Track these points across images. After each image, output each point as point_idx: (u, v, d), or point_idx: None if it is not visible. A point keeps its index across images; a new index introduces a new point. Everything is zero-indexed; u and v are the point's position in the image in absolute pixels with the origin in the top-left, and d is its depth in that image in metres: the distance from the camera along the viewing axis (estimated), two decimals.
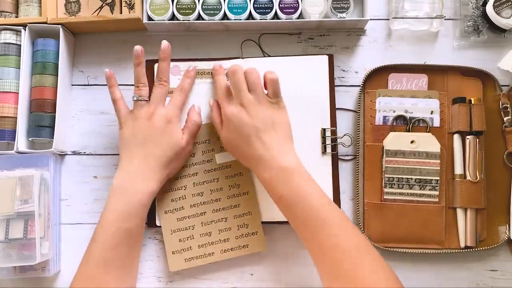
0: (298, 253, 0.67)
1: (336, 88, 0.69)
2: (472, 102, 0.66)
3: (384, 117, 0.67)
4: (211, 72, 0.67)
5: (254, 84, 0.60)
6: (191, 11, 0.67)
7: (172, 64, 0.68)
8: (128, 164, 0.61)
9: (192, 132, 0.64)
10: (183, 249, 0.65)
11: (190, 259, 0.65)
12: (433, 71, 0.68)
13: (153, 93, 0.63)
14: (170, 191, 0.66)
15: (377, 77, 0.69)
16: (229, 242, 0.65)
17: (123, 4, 0.68)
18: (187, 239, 0.65)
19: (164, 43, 0.64)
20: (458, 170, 0.66)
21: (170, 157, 0.61)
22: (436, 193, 0.66)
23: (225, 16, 0.69)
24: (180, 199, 0.66)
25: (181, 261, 0.65)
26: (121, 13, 0.68)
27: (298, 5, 0.67)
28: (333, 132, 0.67)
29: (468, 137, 0.66)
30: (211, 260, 0.65)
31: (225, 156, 0.66)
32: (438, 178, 0.65)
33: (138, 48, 0.62)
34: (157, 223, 0.66)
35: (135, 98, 0.63)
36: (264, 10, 0.67)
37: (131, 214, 0.58)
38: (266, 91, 0.61)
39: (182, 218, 0.66)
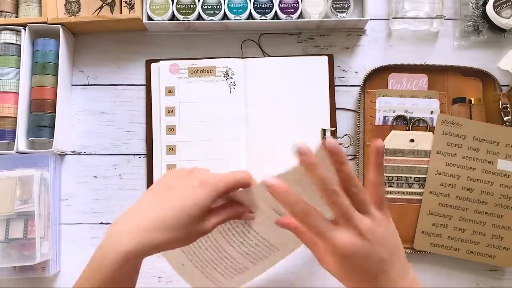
0: (298, 253, 0.67)
1: (336, 88, 0.69)
2: (472, 102, 0.66)
3: (384, 117, 0.67)
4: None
5: (364, 203, 0.43)
6: (191, 11, 0.67)
7: (171, 62, 0.69)
8: (132, 209, 0.46)
9: (220, 219, 0.47)
10: (432, 233, 0.65)
11: (435, 245, 0.65)
12: (433, 71, 0.68)
13: None
14: (444, 175, 0.65)
15: (377, 77, 0.69)
16: (478, 246, 0.64)
17: (123, 4, 0.68)
18: (441, 226, 0.65)
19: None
20: None
21: (178, 224, 0.44)
22: None
23: (225, 16, 0.69)
24: (449, 186, 0.65)
25: (427, 243, 0.65)
26: (121, 13, 0.68)
27: (298, 5, 0.67)
28: (333, 133, 0.67)
29: None
30: (455, 255, 0.65)
31: (508, 165, 0.65)
32: None
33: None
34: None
35: None
36: (264, 10, 0.67)
37: (101, 271, 0.43)
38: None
39: (444, 205, 0.65)
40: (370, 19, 0.68)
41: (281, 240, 0.55)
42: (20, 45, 0.67)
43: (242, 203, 0.49)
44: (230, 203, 0.48)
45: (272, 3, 0.67)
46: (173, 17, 0.69)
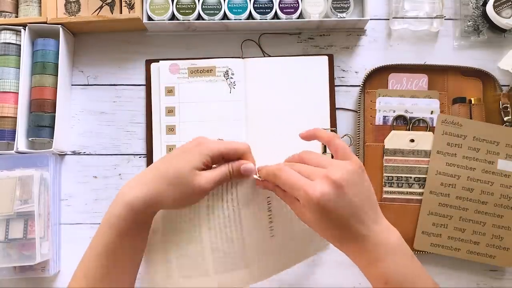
0: None
1: (336, 88, 0.69)
2: (472, 102, 0.66)
3: (384, 117, 0.67)
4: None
5: (327, 157, 0.50)
6: (191, 11, 0.67)
7: (171, 62, 0.69)
8: (140, 172, 0.50)
9: (218, 178, 0.49)
10: (432, 233, 0.65)
11: (436, 245, 0.65)
12: (433, 71, 0.68)
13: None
14: (444, 175, 0.65)
15: (377, 77, 0.69)
16: (478, 246, 0.64)
17: (123, 4, 0.68)
18: (441, 226, 0.65)
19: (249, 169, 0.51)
20: None
21: (174, 178, 0.47)
22: None
23: (225, 16, 0.69)
24: (449, 186, 0.65)
25: (427, 243, 0.65)
26: (121, 13, 0.68)
27: (298, 5, 0.67)
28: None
29: None
30: (455, 255, 0.65)
31: (508, 165, 0.65)
32: None
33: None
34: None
35: None
36: (264, 10, 0.67)
37: (109, 226, 0.47)
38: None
39: (444, 204, 0.65)
40: (370, 19, 0.68)
41: (256, 251, 0.52)
42: (20, 45, 0.67)
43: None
44: (228, 162, 0.51)
45: (272, 3, 0.67)
46: (173, 17, 0.69)
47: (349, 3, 0.68)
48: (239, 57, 0.70)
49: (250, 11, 0.68)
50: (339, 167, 0.45)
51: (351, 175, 0.45)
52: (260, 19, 0.68)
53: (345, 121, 0.69)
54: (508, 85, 0.68)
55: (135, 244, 0.49)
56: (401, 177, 0.66)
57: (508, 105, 0.66)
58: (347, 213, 0.44)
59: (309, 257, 0.60)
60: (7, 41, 0.67)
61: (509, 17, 0.66)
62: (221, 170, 0.50)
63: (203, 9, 0.67)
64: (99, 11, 0.70)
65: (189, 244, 0.52)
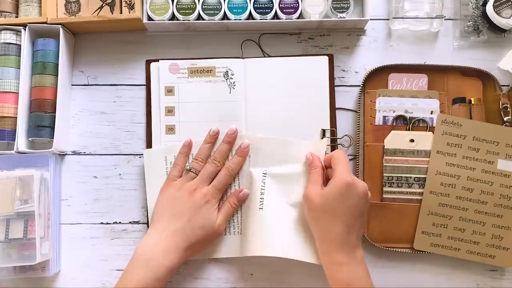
0: None
1: (336, 88, 0.69)
2: (472, 102, 0.66)
3: (384, 117, 0.67)
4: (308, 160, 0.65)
5: None
6: (191, 11, 0.67)
7: (171, 62, 0.69)
8: (156, 233, 0.61)
9: (227, 216, 0.64)
10: (432, 233, 0.65)
11: (435, 245, 0.65)
12: (433, 71, 0.68)
13: (204, 169, 0.64)
14: (444, 175, 0.65)
15: (377, 77, 0.69)
16: (478, 246, 0.64)
17: (123, 4, 0.68)
18: (440, 226, 0.64)
19: (232, 129, 0.66)
20: None
21: (199, 238, 0.61)
22: None
23: (225, 16, 0.69)
24: (449, 186, 0.64)
25: (427, 243, 0.65)
26: (121, 13, 0.68)
27: (298, 5, 0.67)
28: (333, 133, 0.67)
29: None
30: (455, 255, 0.64)
31: (508, 165, 0.65)
32: None
33: (215, 129, 0.66)
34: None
35: (188, 167, 0.64)
36: (264, 10, 0.67)
37: (147, 286, 0.58)
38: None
39: (444, 205, 0.64)
40: (370, 19, 0.68)
41: (244, 220, 0.65)
42: (20, 45, 0.67)
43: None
44: (227, 198, 0.65)
45: (272, 3, 0.67)
46: (173, 17, 0.69)
47: (349, 3, 0.68)
48: (239, 57, 0.70)
49: (250, 11, 0.68)
50: (328, 186, 0.59)
51: (331, 193, 0.57)
52: (260, 19, 0.68)
53: (345, 121, 0.69)
54: (508, 85, 0.68)
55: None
56: (401, 177, 0.66)
57: (508, 105, 0.67)
58: (318, 217, 0.59)
59: (300, 259, 0.62)
60: (7, 41, 0.67)
61: (509, 17, 0.67)
62: (228, 209, 0.64)
63: (203, 9, 0.67)
64: (99, 11, 0.70)
65: None
